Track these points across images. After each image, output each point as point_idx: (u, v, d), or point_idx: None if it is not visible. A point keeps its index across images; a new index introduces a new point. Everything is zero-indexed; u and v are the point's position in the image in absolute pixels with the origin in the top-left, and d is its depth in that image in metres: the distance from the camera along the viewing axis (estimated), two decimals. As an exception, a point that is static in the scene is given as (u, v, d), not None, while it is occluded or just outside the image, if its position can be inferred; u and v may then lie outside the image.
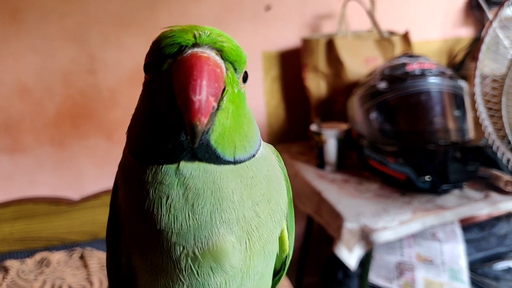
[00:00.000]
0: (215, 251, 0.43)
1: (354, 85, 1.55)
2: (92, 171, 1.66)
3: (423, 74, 1.29)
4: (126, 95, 1.64)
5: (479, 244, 1.63)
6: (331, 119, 1.66)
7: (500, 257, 1.62)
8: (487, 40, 1.17)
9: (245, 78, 0.45)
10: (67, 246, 1.57)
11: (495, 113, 1.04)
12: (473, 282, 1.53)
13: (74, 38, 1.56)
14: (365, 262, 1.27)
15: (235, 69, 0.43)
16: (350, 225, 1.14)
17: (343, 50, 1.65)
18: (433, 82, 1.28)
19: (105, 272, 1.40)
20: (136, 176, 0.43)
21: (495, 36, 1.14)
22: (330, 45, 1.66)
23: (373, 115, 1.34)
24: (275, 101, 1.80)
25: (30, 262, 1.46)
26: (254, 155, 0.46)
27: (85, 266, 1.45)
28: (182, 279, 0.44)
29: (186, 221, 0.42)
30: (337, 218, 1.18)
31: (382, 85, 1.33)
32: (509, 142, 1.04)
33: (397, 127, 1.30)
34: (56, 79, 1.57)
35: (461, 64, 1.86)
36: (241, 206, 0.44)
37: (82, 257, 1.49)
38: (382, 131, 1.32)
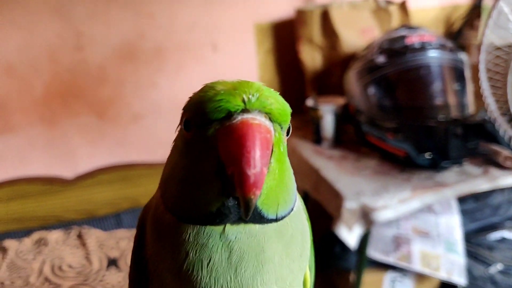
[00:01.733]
0: None
1: (350, 57, 1.52)
2: (85, 149, 1.63)
3: (423, 47, 1.26)
4: (115, 71, 1.59)
5: (473, 214, 1.65)
6: (327, 92, 1.63)
7: (494, 227, 1.64)
8: (494, 14, 1.13)
9: (288, 132, 0.44)
10: (64, 225, 1.56)
11: (497, 90, 1.02)
12: (468, 252, 1.56)
13: (59, 12, 1.49)
14: (364, 238, 1.28)
15: (281, 127, 0.42)
16: (349, 204, 1.14)
17: (338, 21, 1.60)
18: (433, 55, 1.25)
19: (104, 250, 1.41)
20: (173, 234, 0.42)
21: (498, 6, 1.10)
22: (325, 16, 1.60)
23: (372, 90, 1.31)
24: (269, 75, 1.76)
25: (28, 241, 1.45)
26: (292, 209, 0.45)
27: (83, 245, 1.44)
28: None
29: (227, 283, 0.41)
30: (336, 197, 1.18)
31: (381, 59, 1.30)
32: (510, 118, 1.03)
33: (397, 102, 1.28)
34: (42, 56, 1.51)
35: (459, 32, 1.82)
36: (280, 266, 0.43)
37: (79, 236, 1.48)
38: (381, 106, 1.30)
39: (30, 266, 1.34)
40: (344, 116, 1.46)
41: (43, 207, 1.60)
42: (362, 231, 1.15)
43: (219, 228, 0.41)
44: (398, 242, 1.49)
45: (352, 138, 1.49)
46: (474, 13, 1.79)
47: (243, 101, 0.38)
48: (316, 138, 1.48)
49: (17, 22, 1.46)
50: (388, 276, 1.55)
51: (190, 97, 0.43)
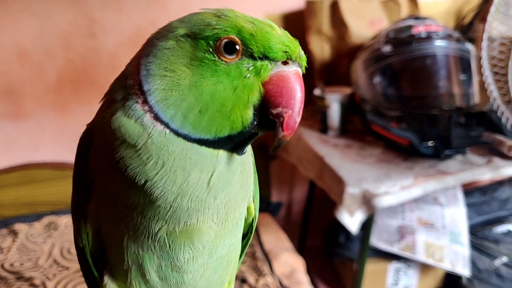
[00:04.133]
0: (192, 230, 0.46)
1: (358, 48, 1.52)
2: (95, 136, 1.65)
3: (429, 37, 1.26)
4: (127, 59, 1.58)
5: (480, 208, 1.64)
6: (335, 83, 1.64)
7: (500, 220, 1.64)
8: (497, 1, 1.13)
9: None
10: (73, 209, 1.59)
11: (501, 77, 1.02)
12: (473, 245, 1.55)
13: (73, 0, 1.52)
14: (367, 226, 1.28)
15: None
16: (351, 190, 1.15)
17: (347, 12, 1.60)
18: (439, 45, 1.25)
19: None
20: (156, 144, 0.43)
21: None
22: (335, 6, 1.61)
23: (377, 79, 1.32)
24: (278, 65, 1.77)
25: (38, 225, 1.48)
26: None
27: (91, 229, 1.47)
28: (153, 249, 0.47)
29: (191, 201, 0.44)
30: (339, 183, 1.19)
31: (387, 48, 1.30)
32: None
33: (401, 91, 1.28)
34: (56, 42, 1.55)
35: (470, 25, 1.81)
36: (237, 191, 0.48)
37: (88, 221, 1.51)
38: (386, 95, 1.31)
39: (41, 248, 1.37)
40: (350, 106, 1.46)
41: (53, 192, 1.63)
42: (363, 217, 1.16)
43: (213, 151, 0.44)
44: (403, 232, 1.49)
45: (358, 128, 1.50)
46: (485, 7, 1.78)
47: (299, 54, 0.45)
48: (323, 127, 1.49)
49: (32, 9, 1.50)
50: (393, 266, 1.55)
51: (232, 18, 0.44)
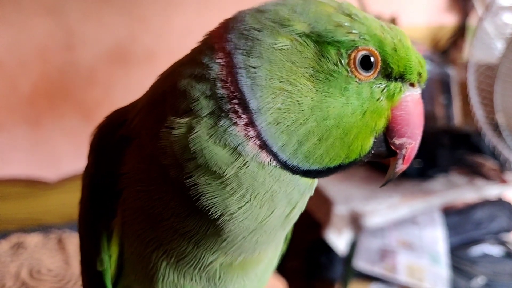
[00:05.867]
0: (249, 261, 0.40)
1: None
2: (69, 151, 1.59)
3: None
4: (105, 74, 1.58)
5: (457, 228, 1.67)
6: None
7: (476, 241, 1.66)
8: (476, 28, 1.17)
9: None
10: (44, 228, 1.52)
11: (484, 99, 1.05)
12: (452, 265, 1.57)
13: (51, 11, 1.48)
14: (351, 246, 1.28)
15: None
16: (339, 209, 1.14)
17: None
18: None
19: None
20: (250, 174, 0.34)
21: (484, 25, 1.14)
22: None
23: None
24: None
25: (5, 244, 1.40)
26: None
27: (63, 249, 1.40)
28: (198, 280, 0.40)
29: (266, 236, 0.37)
30: (326, 203, 1.18)
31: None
32: (496, 129, 1.06)
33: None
34: (31, 54, 1.49)
35: (445, 50, 1.87)
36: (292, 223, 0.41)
37: (60, 240, 1.44)
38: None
39: (7, 269, 1.29)
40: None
41: (23, 210, 1.55)
42: (351, 236, 1.16)
43: (308, 181, 0.37)
44: (384, 253, 1.49)
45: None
46: (459, 33, 1.85)
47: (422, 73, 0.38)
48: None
49: (7, 19, 1.44)
50: (373, 287, 1.55)
51: (365, 21, 0.35)
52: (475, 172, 1.29)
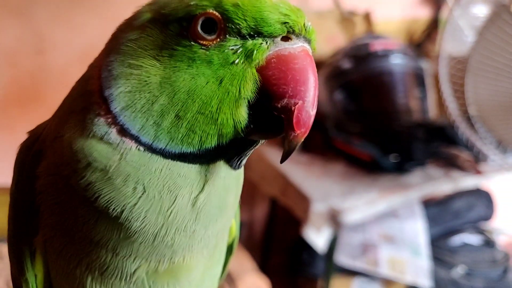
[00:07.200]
0: (178, 268, 0.38)
1: (316, 64, 1.54)
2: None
3: (385, 55, 1.29)
4: (78, 76, 1.53)
5: (436, 219, 1.69)
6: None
7: (456, 231, 1.69)
8: (447, 21, 1.18)
9: None
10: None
11: (456, 92, 1.06)
12: (432, 255, 1.59)
13: (19, 14, 1.44)
14: (331, 244, 1.28)
15: None
16: (317, 206, 1.14)
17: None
18: (395, 62, 1.29)
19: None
20: (130, 164, 0.34)
21: (455, 18, 1.15)
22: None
23: (338, 95, 1.33)
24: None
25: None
26: None
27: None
28: None
29: (178, 233, 0.36)
30: (304, 200, 1.18)
31: (346, 65, 1.32)
32: (469, 121, 1.07)
33: (361, 107, 1.31)
34: (0, 59, 1.45)
35: (420, 44, 1.89)
36: (229, 212, 0.40)
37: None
38: (347, 111, 1.32)
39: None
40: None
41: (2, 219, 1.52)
42: (330, 233, 1.16)
43: (197, 168, 0.35)
44: (366, 248, 1.50)
45: (318, 144, 1.50)
46: (433, 26, 1.87)
47: (304, 25, 0.34)
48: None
49: (-26, 24, 1.40)
50: (356, 281, 1.55)
51: None
52: (451, 164, 1.30)
